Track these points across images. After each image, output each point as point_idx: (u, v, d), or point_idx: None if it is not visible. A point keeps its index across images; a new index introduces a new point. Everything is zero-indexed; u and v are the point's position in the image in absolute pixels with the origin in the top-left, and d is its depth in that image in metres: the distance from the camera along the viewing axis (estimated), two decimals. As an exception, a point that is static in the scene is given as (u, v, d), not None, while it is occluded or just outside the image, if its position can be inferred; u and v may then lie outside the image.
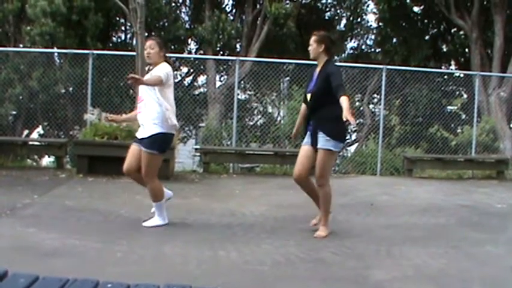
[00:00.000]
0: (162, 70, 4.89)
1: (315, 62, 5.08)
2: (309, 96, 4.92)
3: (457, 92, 13.82)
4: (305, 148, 4.98)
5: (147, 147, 4.84)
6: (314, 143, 4.87)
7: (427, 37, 15.42)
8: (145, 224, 5.03)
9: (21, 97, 11.42)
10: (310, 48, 4.94)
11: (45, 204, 5.94)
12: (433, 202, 7.18)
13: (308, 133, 4.98)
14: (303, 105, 5.21)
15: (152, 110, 4.87)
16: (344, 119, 4.38)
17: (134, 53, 8.83)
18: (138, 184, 5.19)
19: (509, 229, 5.78)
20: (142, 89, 4.97)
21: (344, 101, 4.48)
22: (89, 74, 10.08)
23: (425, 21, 15.52)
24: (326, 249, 4.45)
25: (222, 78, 15.00)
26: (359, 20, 16.92)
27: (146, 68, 5.19)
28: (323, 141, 4.77)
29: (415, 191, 8.16)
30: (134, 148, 5.01)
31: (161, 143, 4.91)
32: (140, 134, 4.98)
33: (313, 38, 4.94)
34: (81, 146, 8.50)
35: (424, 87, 12.51)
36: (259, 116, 14.52)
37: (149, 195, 5.07)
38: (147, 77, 5.00)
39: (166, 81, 4.86)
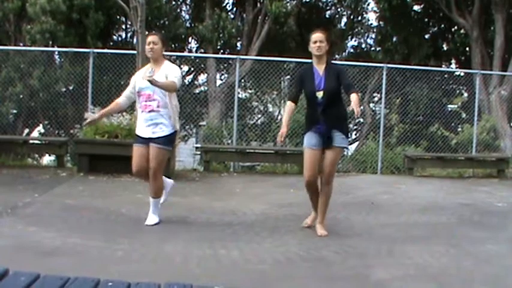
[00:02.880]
0: (177, 75, 4.96)
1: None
2: (320, 94, 4.81)
3: (458, 91, 13.81)
4: (315, 151, 4.85)
5: (165, 144, 4.97)
6: (326, 143, 4.82)
7: (427, 36, 15.40)
8: (148, 222, 5.03)
9: (21, 96, 11.40)
10: (321, 45, 4.84)
11: (46, 203, 5.94)
12: (433, 201, 7.18)
13: (316, 135, 4.86)
14: (291, 104, 5.01)
15: (167, 110, 4.96)
16: (351, 108, 4.56)
17: (135, 52, 8.82)
18: (145, 182, 5.18)
19: (510, 228, 5.78)
20: (154, 89, 4.88)
21: (355, 95, 4.66)
22: (90, 72, 10.07)
23: (426, 19, 15.50)
24: (327, 248, 4.45)
25: (222, 77, 14.99)
26: (359, 18, 16.90)
27: (149, 67, 5.06)
28: (340, 140, 4.87)
29: (416, 190, 8.16)
30: (140, 149, 4.97)
31: (174, 141, 5.20)
32: (150, 133, 4.94)
33: (324, 36, 4.88)
34: (81, 145, 8.50)
35: (425, 86, 12.49)
36: (259, 115, 14.51)
37: (151, 191, 5.07)
38: (161, 79, 4.87)
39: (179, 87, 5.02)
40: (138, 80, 5.05)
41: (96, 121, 5.67)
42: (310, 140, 4.89)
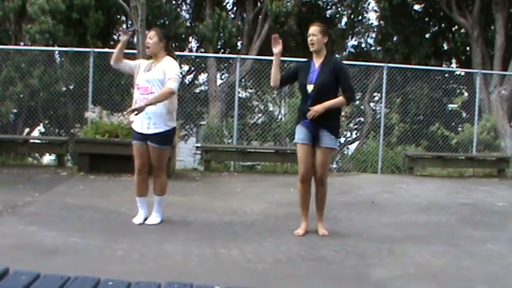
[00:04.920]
0: (174, 75, 4.80)
1: None
2: (310, 87, 4.69)
3: (458, 90, 13.80)
4: (306, 147, 4.79)
5: (162, 143, 4.90)
6: (316, 141, 4.77)
7: (428, 35, 15.38)
8: (149, 222, 5.02)
9: (22, 95, 11.40)
10: (314, 38, 4.70)
11: (47, 202, 5.95)
12: (434, 200, 7.18)
13: (304, 129, 4.77)
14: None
15: (162, 107, 4.83)
16: (311, 110, 4.59)
17: (135, 51, 8.82)
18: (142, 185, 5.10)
19: (510, 227, 5.78)
20: (151, 81, 4.82)
21: (340, 100, 4.70)
22: (90, 72, 10.07)
23: (426, 19, 15.48)
24: (327, 248, 4.45)
25: (223, 76, 14.97)
26: (360, 18, 16.86)
27: (150, 62, 5.00)
28: (328, 140, 4.75)
29: (416, 189, 8.15)
30: (140, 147, 4.92)
31: (172, 137, 5.07)
32: (148, 129, 4.86)
33: (316, 29, 4.74)
34: (82, 144, 8.49)
35: (425, 85, 12.48)
36: (260, 114, 14.50)
37: (159, 190, 5.09)
38: (158, 74, 4.85)
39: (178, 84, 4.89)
40: (140, 72, 4.93)
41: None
42: (299, 134, 4.84)
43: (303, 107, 4.82)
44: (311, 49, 4.78)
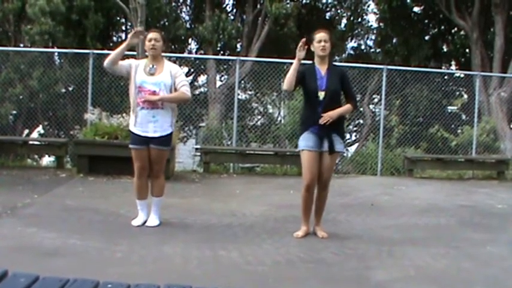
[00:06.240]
0: (187, 82, 5.07)
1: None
2: (321, 94, 4.70)
3: (458, 92, 13.82)
4: (315, 154, 4.74)
5: (166, 144, 4.98)
6: (324, 146, 4.76)
7: (427, 37, 15.41)
8: (149, 224, 5.02)
9: (21, 97, 11.40)
10: (326, 44, 4.74)
11: (46, 204, 5.94)
12: (433, 202, 7.17)
13: (313, 136, 4.74)
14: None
15: (169, 110, 4.93)
16: (325, 116, 4.63)
17: (134, 53, 8.82)
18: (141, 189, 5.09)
19: (510, 229, 5.78)
20: (159, 85, 4.82)
21: (348, 108, 4.85)
22: (89, 73, 10.06)
23: (426, 21, 15.51)
24: (327, 250, 4.45)
25: (222, 78, 14.99)
26: (359, 20, 16.91)
27: (149, 63, 4.93)
28: (339, 144, 4.84)
29: (416, 191, 8.15)
30: (142, 151, 4.91)
31: (171, 139, 5.13)
32: (154, 132, 4.87)
33: (327, 36, 4.79)
34: (81, 146, 8.49)
35: (425, 87, 12.49)
36: (259, 116, 14.51)
37: (157, 191, 5.10)
38: (166, 78, 4.87)
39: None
40: (140, 73, 4.85)
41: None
42: (307, 141, 4.77)
43: (312, 113, 4.74)
44: (321, 54, 4.77)
